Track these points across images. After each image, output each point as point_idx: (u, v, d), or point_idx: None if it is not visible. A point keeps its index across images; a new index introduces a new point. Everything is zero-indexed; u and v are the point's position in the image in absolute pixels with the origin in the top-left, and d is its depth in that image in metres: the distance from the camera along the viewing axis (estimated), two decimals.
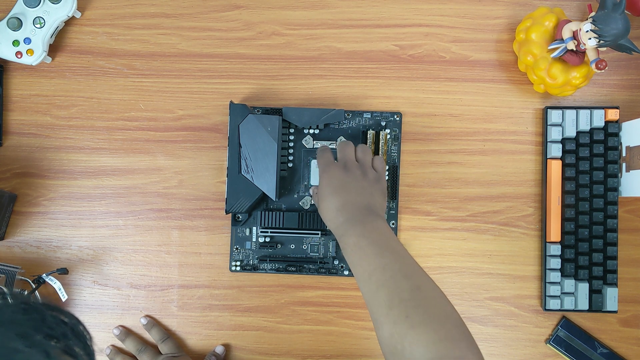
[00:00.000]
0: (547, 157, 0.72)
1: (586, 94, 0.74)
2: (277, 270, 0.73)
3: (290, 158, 0.73)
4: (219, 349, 0.73)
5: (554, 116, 0.72)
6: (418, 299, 0.52)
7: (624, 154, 0.71)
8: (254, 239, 0.73)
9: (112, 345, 0.73)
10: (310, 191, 0.72)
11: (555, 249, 0.71)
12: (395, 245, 0.57)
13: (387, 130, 0.72)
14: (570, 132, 0.72)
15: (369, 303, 0.54)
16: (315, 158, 0.73)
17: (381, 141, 0.71)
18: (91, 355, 0.40)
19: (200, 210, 0.74)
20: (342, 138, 0.73)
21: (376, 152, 0.71)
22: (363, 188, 0.63)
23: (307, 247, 0.73)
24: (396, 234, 0.72)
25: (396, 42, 0.75)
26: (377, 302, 0.53)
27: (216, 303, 0.74)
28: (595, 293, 0.71)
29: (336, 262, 0.72)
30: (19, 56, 0.71)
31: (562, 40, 0.67)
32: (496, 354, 0.73)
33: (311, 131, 0.73)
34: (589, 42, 0.65)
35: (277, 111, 0.72)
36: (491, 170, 0.74)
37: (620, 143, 0.72)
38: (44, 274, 0.69)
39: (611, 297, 0.71)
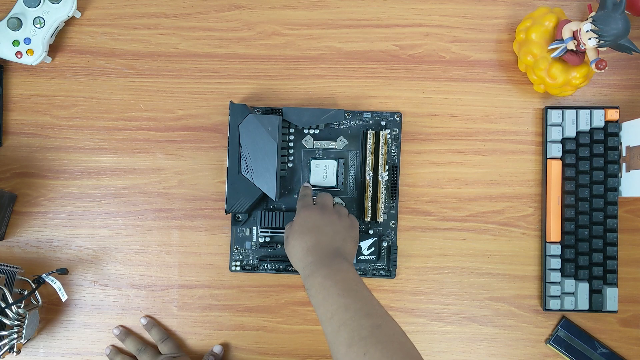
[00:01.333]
0: (547, 157, 0.72)
1: (586, 94, 0.74)
2: (277, 270, 0.73)
3: (290, 158, 0.73)
4: (217, 349, 0.73)
5: (554, 116, 0.72)
6: (378, 337, 0.51)
7: (624, 154, 0.71)
8: (254, 239, 0.73)
9: (112, 345, 0.73)
10: (288, 223, 0.69)
11: (555, 249, 0.71)
12: (359, 287, 0.57)
13: (387, 130, 0.72)
14: (570, 132, 0.72)
15: (330, 344, 0.53)
16: (315, 158, 0.73)
17: (381, 141, 0.71)
18: None
19: (200, 210, 0.74)
20: (342, 138, 0.73)
21: (376, 152, 0.71)
22: (336, 232, 0.63)
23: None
24: (396, 234, 0.73)
25: (396, 42, 0.75)
26: (338, 341, 0.52)
27: (216, 303, 0.74)
28: (595, 293, 0.71)
29: None
30: (19, 56, 0.71)
31: (562, 40, 0.67)
32: (496, 354, 0.73)
33: (311, 131, 0.73)
34: (589, 42, 0.65)
35: (277, 111, 0.72)
36: (491, 170, 0.74)
37: (620, 143, 0.72)
38: (44, 274, 0.69)
39: (611, 297, 0.71)
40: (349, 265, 0.60)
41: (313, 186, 0.72)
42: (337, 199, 0.73)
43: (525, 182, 0.74)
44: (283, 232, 0.72)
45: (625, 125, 0.71)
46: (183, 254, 0.74)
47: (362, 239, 0.71)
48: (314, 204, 0.66)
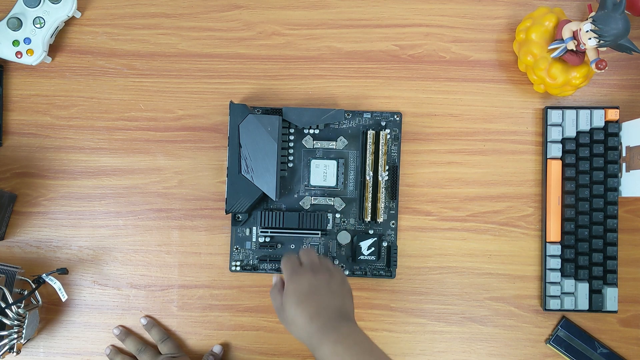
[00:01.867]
0: (547, 157, 0.72)
1: (586, 94, 0.74)
2: (277, 270, 0.73)
3: (290, 158, 0.73)
4: (217, 349, 0.73)
5: (554, 116, 0.72)
6: None
7: (624, 154, 0.71)
8: (254, 239, 0.73)
9: (112, 345, 0.73)
10: (272, 289, 0.65)
11: (555, 249, 0.71)
12: (373, 349, 0.55)
13: (387, 130, 0.72)
14: (570, 132, 0.72)
15: None
16: (315, 158, 0.73)
17: (381, 141, 0.71)
18: None
19: (200, 210, 0.74)
20: (342, 138, 0.73)
21: (376, 152, 0.71)
22: (333, 292, 0.60)
23: (307, 247, 0.73)
24: (396, 234, 0.73)
25: (396, 42, 0.75)
26: None
27: (216, 303, 0.74)
28: (595, 293, 0.71)
29: (336, 262, 0.72)
30: (19, 56, 0.71)
31: (562, 40, 0.67)
32: (496, 354, 0.73)
33: (311, 131, 0.73)
34: (589, 42, 0.65)
35: (277, 111, 0.72)
36: (491, 170, 0.74)
37: (620, 143, 0.72)
38: (44, 274, 0.69)
39: (611, 297, 0.71)
40: (355, 325, 0.58)
41: (313, 186, 0.72)
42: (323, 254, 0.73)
43: (525, 182, 0.74)
44: (283, 232, 0.72)
45: (625, 125, 0.71)
46: (183, 254, 0.74)
47: (362, 238, 0.71)
48: (300, 263, 0.64)
